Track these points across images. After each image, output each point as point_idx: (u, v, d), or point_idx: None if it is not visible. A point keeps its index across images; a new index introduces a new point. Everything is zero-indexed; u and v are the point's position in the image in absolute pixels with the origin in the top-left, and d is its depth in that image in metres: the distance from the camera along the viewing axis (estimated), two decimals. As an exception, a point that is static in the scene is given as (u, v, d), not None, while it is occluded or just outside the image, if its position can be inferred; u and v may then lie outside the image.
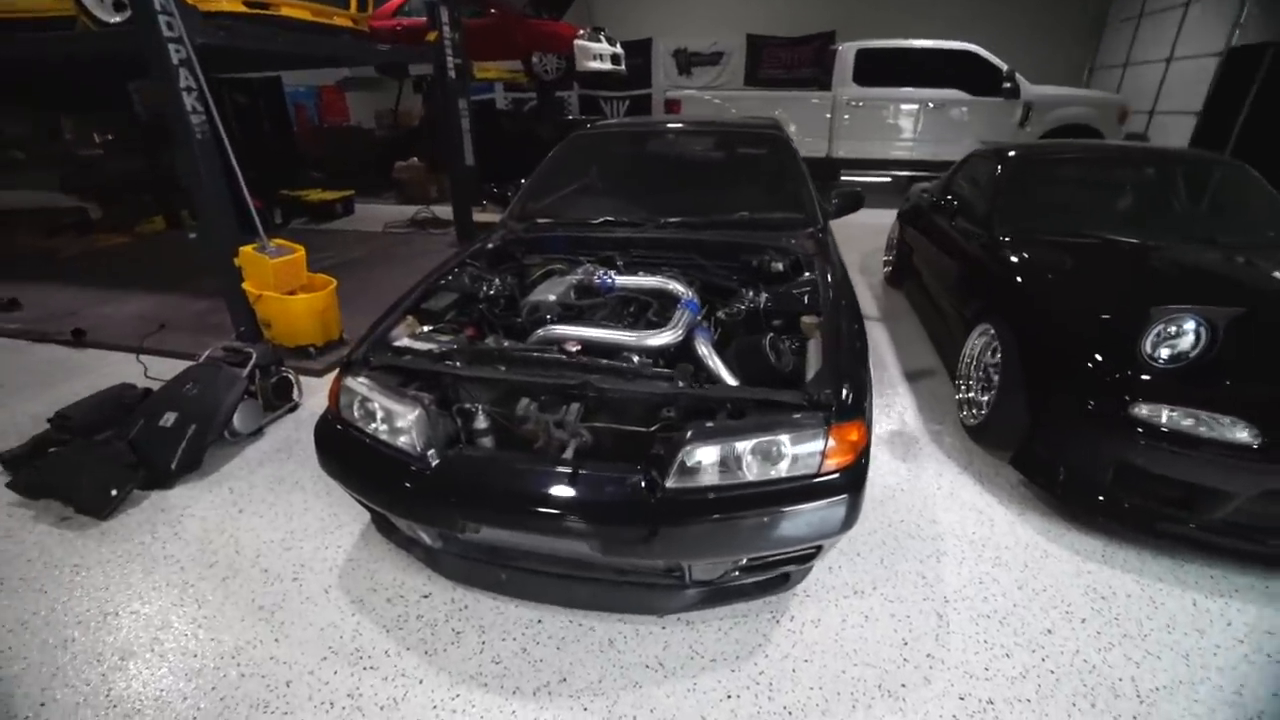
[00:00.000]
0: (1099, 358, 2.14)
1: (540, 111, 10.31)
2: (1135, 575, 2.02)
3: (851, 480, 1.55)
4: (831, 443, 1.53)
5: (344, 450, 1.78)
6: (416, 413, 1.65)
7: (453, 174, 6.21)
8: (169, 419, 2.55)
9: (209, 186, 3.50)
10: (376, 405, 1.72)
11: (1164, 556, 2.09)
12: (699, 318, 2.05)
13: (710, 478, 1.50)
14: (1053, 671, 1.67)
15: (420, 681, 1.64)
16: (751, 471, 1.51)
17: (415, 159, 8.92)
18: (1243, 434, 1.89)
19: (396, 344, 1.97)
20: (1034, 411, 2.38)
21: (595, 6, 9.99)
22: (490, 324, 2.23)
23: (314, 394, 3.21)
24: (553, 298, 2.11)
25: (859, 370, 1.72)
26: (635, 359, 1.83)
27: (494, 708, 1.56)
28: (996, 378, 2.63)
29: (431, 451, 1.62)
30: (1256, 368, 2.03)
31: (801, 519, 1.51)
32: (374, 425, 1.73)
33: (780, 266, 2.39)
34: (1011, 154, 3.54)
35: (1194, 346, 2.02)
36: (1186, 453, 1.94)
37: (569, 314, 2.13)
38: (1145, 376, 2.03)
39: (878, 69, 8.07)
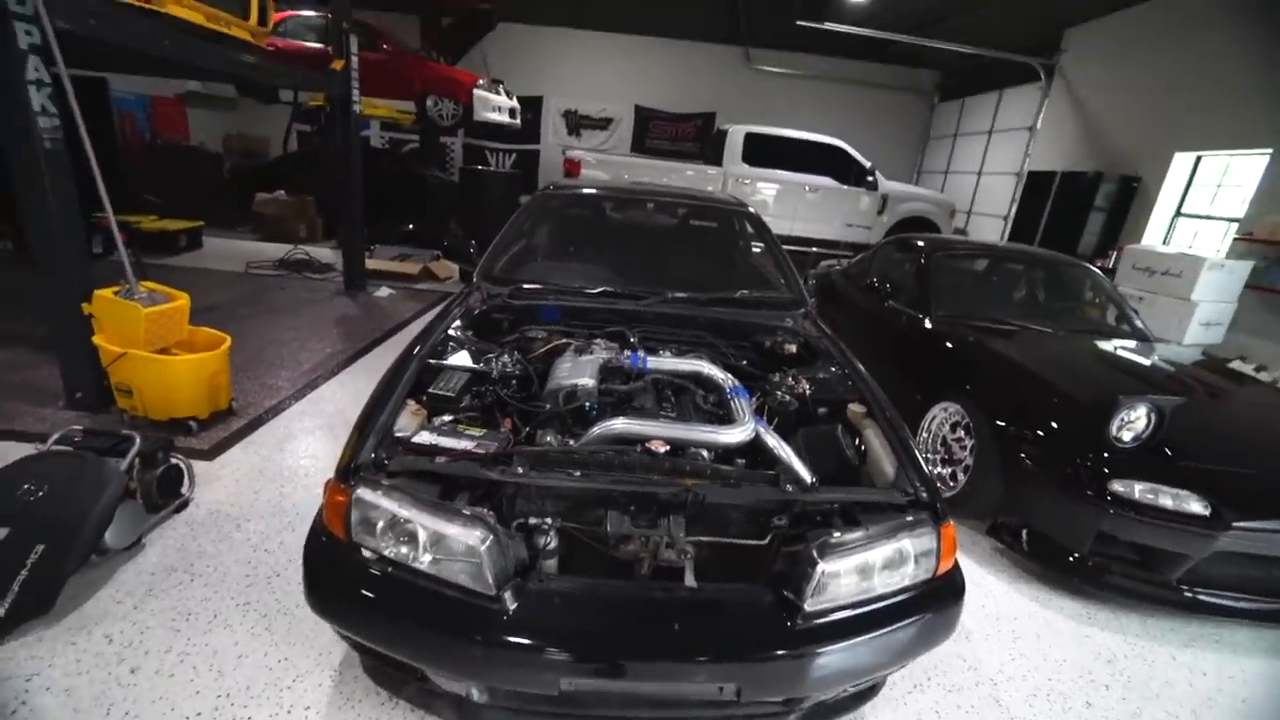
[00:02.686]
0: (1075, 439, 2.40)
1: (422, 155, 9.80)
2: (1121, 635, 2.22)
3: (961, 580, 1.51)
4: (942, 543, 1.49)
5: (361, 588, 1.34)
6: (485, 537, 1.30)
7: (346, 215, 5.55)
8: None
9: (56, 210, 2.72)
10: (419, 527, 1.33)
11: (1131, 612, 2.33)
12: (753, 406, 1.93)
13: (846, 593, 1.36)
14: (1114, 752, 1.74)
15: None
16: (885, 581, 1.40)
17: (282, 192, 7.89)
18: (1196, 505, 2.20)
19: (416, 440, 1.58)
20: (1008, 485, 2.59)
21: (490, 58, 9.86)
22: (513, 411, 1.90)
23: (206, 484, 2.52)
24: (590, 382, 1.86)
25: (924, 462, 1.72)
26: (705, 455, 1.66)
27: None
28: (961, 453, 2.84)
29: (509, 588, 1.28)
30: (1192, 448, 2.39)
31: (932, 624, 1.43)
32: (411, 553, 1.34)
33: (793, 349, 2.38)
34: (932, 248, 3.99)
35: (1145, 429, 2.35)
36: (1153, 521, 2.21)
37: (606, 400, 1.90)
38: (1116, 456, 2.30)
39: (762, 151, 8.88)
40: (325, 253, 6.94)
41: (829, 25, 9.01)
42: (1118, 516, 2.23)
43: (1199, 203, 6.61)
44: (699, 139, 12.35)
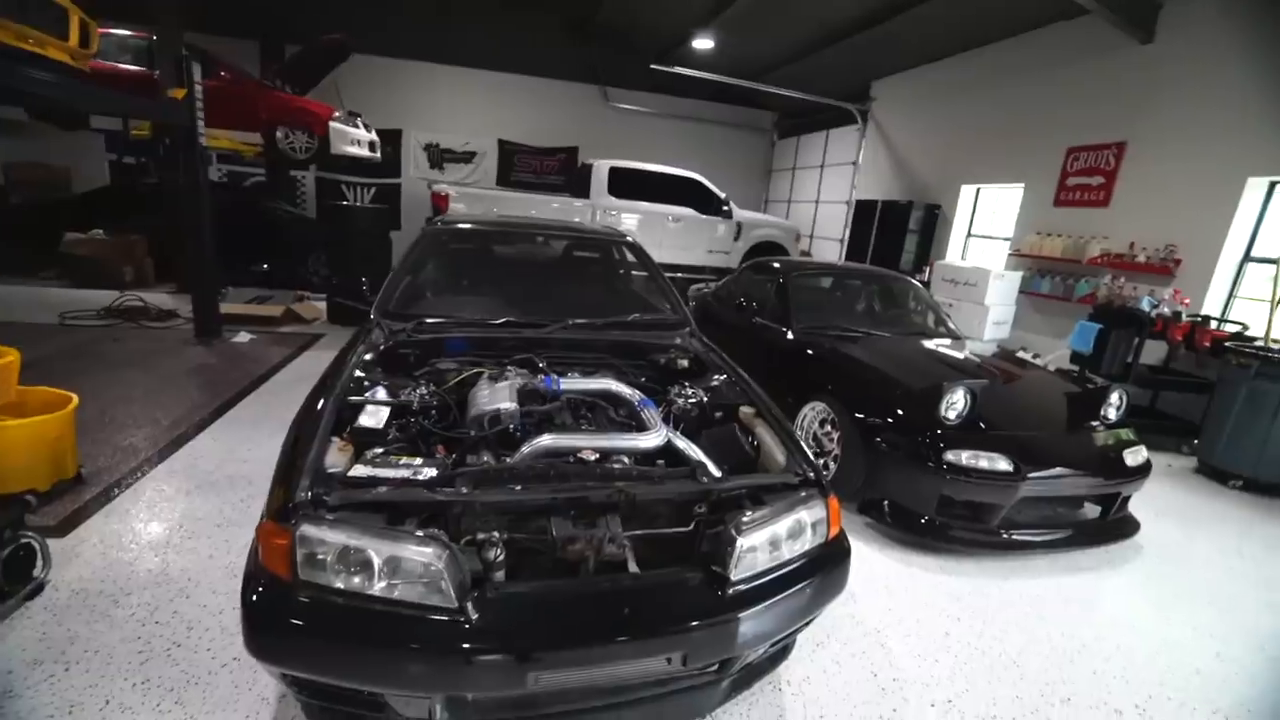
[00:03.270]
0: (915, 422, 2.92)
1: (270, 190, 9.13)
2: (964, 577, 2.73)
3: (848, 543, 1.84)
4: (830, 513, 1.81)
5: (315, 624, 1.35)
6: (440, 553, 1.38)
7: (195, 256, 5.05)
8: None
9: None
10: (372, 554, 1.38)
11: (966, 557, 2.87)
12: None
13: (763, 563, 1.61)
14: (966, 662, 2.16)
15: None
16: (784, 550, 1.67)
17: (99, 231, 6.92)
18: (1004, 464, 2.79)
19: (352, 473, 1.60)
20: (870, 467, 3.07)
21: (344, 90, 9.43)
22: (437, 439, 1.95)
23: (64, 564, 2.22)
24: (512, 405, 1.98)
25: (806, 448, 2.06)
26: (626, 460, 1.85)
27: None
28: (830, 444, 3.31)
29: (469, 600, 1.37)
30: (996, 418, 3.01)
31: (829, 581, 1.73)
32: (365, 582, 1.37)
33: (685, 363, 2.67)
34: (787, 270, 4.57)
35: (964, 408, 2.93)
36: (977, 481, 2.77)
37: (529, 420, 2.03)
38: (946, 432, 2.85)
39: (626, 184, 9.39)
40: (163, 298, 6.21)
41: (679, 69, 9.83)
42: (952, 480, 2.76)
43: (982, 226, 8.12)
44: (563, 172, 12.72)
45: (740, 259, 9.76)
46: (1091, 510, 3.19)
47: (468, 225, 3.52)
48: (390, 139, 10.99)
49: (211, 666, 1.84)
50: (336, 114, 8.14)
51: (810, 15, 8.36)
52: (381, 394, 2.03)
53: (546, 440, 1.81)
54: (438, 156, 11.78)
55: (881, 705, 1.94)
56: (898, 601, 2.51)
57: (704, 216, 9.60)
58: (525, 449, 1.79)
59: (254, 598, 1.39)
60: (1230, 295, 5.21)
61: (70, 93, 3.67)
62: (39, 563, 2.10)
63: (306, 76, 9.04)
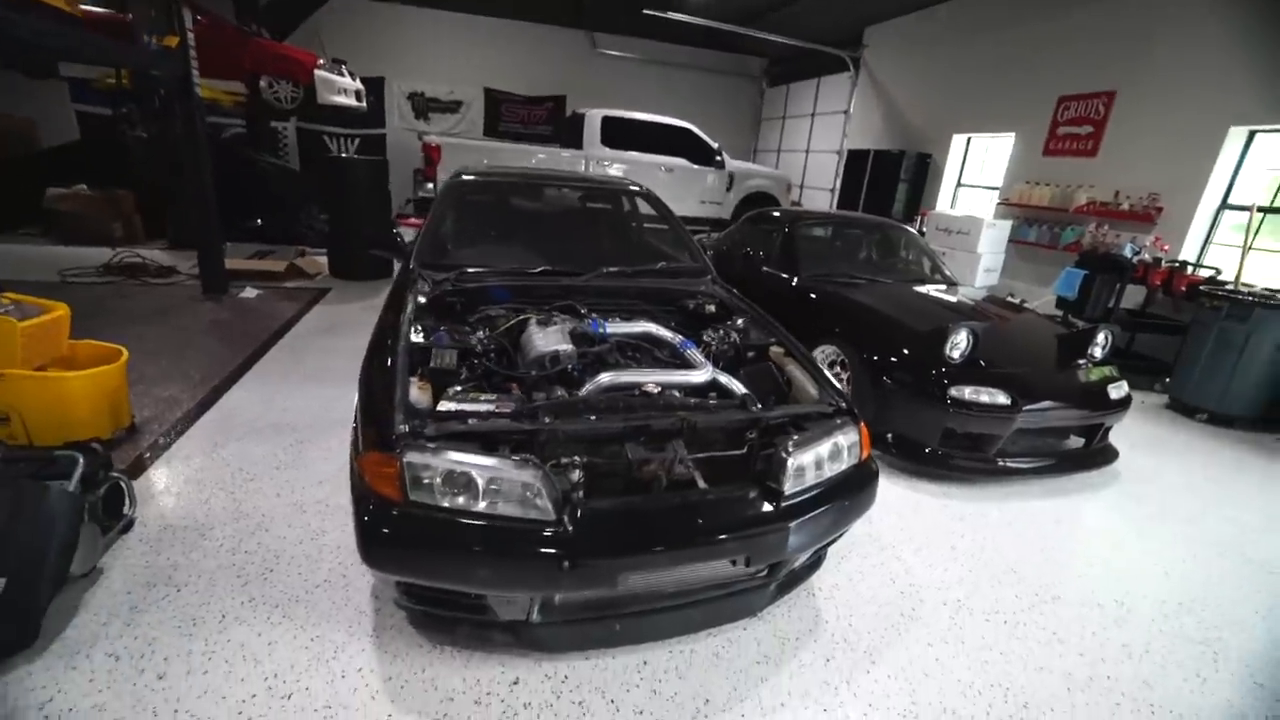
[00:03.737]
0: (922, 361, 3.14)
1: (253, 141, 8.85)
2: (966, 500, 3.02)
3: (876, 465, 2.06)
4: (861, 437, 2.02)
5: (429, 538, 1.53)
6: (537, 473, 1.56)
7: (198, 211, 4.99)
8: None
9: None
10: (475, 475, 1.55)
11: (966, 484, 3.15)
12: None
13: (808, 480, 1.83)
14: (972, 570, 2.45)
15: (576, 761, 1.53)
16: (826, 470, 1.89)
17: (83, 186, 6.72)
18: (1002, 398, 3.04)
19: (441, 409, 1.76)
20: (878, 404, 3.30)
21: (324, 36, 9.06)
22: (500, 379, 2.10)
23: (142, 503, 2.36)
24: (569, 347, 2.14)
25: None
26: (679, 394, 2.03)
27: (665, 751, 1.58)
28: (840, 384, 3.52)
29: (565, 512, 1.56)
30: (993, 357, 3.25)
31: (862, 497, 1.96)
32: (469, 500, 1.55)
33: (712, 308, 2.83)
34: (791, 220, 4.69)
35: (966, 348, 3.16)
36: (978, 414, 3.02)
37: (584, 360, 2.19)
38: (950, 370, 3.08)
39: (619, 134, 9.28)
40: (157, 254, 6.12)
41: (672, 15, 9.59)
42: (956, 414, 3.01)
43: (972, 175, 8.27)
44: (550, 122, 12.45)
45: (733, 210, 9.81)
46: (1075, 441, 3.49)
47: (490, 178, 3.57)
48: (373, 88, 10.61)
49: (306, 587, 2.03)
50: (321, 61, 7.87)
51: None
52: (445, 338, 2.16)
53: (607, 378, 1.98)
54: (423, 106, 11.44)
55: (901, 605, 2.22)
56: (907, 522, 2.78)
57: (697, 167, 9.58)
58: (591, 385, 1.96)
59: (366, 518, 1.57)
60: (1206, 241, 5.49)
61: (70, 43, 3.55)
62: (127, 501, 2.24)
63: (285, 21, 8.68)
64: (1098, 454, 3.44)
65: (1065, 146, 6.47)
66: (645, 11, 9.38)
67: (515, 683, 1.73)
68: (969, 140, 8.15)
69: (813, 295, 4.00)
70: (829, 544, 2.06)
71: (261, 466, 2.73)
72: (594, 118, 9.24)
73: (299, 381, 3.67)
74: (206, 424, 3.07)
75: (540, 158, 9.00)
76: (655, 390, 1.94)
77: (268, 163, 8.54)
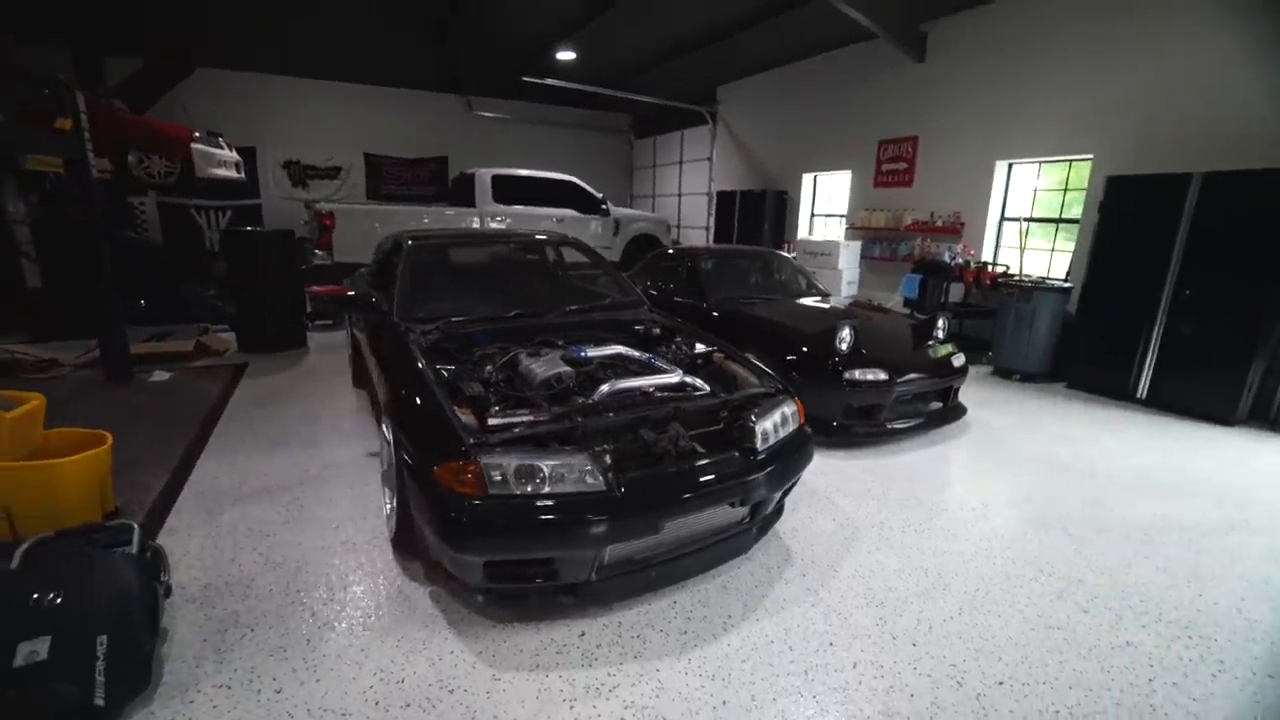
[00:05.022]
0: (819, 355, 3.99)
1: (113, 219, 8.28)
2: (871, 459, 3.85)
3: (809, 429, 2.76)
4: (798, 408, 2.72)
5: (514, 520, 1.95)
6: (587, 458, 2.06)
7: (99, 298, 4.78)
8: (30, 652, 1.77)
9: None
10: (543, 465, 2.01)
11: (864, 448, 4.01)
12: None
13: (771, 440, 2.47)
14: (884, 504, 3.24)
15: (659, 671, 2.00)
16: (780, 432, 2.55)
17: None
18: (882, 375, 3.95)
19: (492, 423, 2.19)
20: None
21: (190, 106, 8.74)
22: (515, 400, 2.55)
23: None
24: (568, 369, 2.65)
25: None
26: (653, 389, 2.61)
27: (728, 650, 2.09)
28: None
29: (613, 484, 2.06)
30: (869, 346, 4.17)
31: (805, 450, 2.63)
32: (539, 485, 2.00)
33: (657, 331, 3.47)
34: (694, 256, 5.54)
35: (851, 341, 4.05)
36: (866, 389, 3.90)
37: (579, 378, 2.69)
38: (842, 359, 3.94)
39: (509, 190, 9.84)
40: (22, 349, 5.63)
41: (548, 80, 10.44)
42: (851, 391, 3.87)
43: (823, 206, 9.81)
44: (433, 182, 12.72)
45: (620, 252, 10.67)
46: (935, 406, 4.52)
47: (443, 239, 3.97)
48: (245, 158, 10.28)
49: (371, 606, 2.30)
50: (197, 134, 7.69)
51: (661, 31, 9.40)
52: (463, 375, 2.58)
53: (607, 387, 2.52)
54: (300, 174, 11.24)
55: (842, 534, 2.93)
56: (831, 480, 3.53)
57: (584, 215, 10.36)
58: (599, 392, 2.47)
59: (453, 514, 1.96)
60: (996, 246, 7.13)
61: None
62: (165, 567, 2.36)
63: (144, 94, 8.34)
64: (952, 410, 4.48)
65: (889, 179, 8.05)
66: (524, 79, 10.14)
67: (582, 634, 2.17)
68: (815, 178, 9.70)
69: (724, 315, 4.79)
70: (787, 491, 2.71)
71: (270, 524, 2.88)
72: (484, 176, 9.73)
73: (264, 449, 3.75)
74: (189, 498, 3.12)
75: (425, 221, 9.23)
76: (650, 390, 2.51)
77: (141, 241, 8.06)
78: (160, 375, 5.17)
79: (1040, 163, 6.64)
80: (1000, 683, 2.02)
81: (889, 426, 4.08)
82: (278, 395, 4.83)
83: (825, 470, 3.64)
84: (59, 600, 1.86)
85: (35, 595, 1.86)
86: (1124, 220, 5.21)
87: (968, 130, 7.08)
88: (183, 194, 9.91)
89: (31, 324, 6.41)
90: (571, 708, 1.85)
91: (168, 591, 2.34)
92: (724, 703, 1.89)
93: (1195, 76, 5.20)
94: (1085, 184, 6.10)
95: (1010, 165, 6.88)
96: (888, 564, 2.69)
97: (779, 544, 2.82)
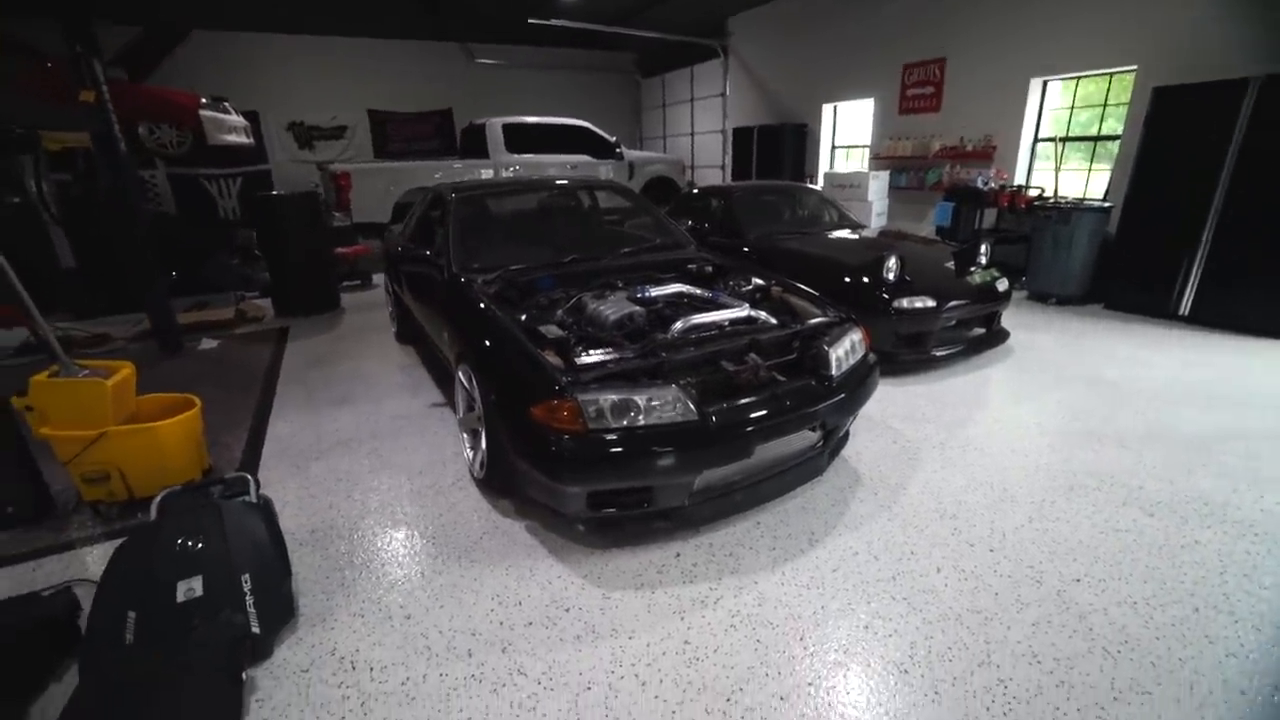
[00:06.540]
0: (868, 285, 3.99)
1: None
2: (922, 385, 3.91)
3: (876, 357, 2.81)
4: (863, 336, 2.77)
5: (611, 450, 2.04)
6: (677, 390, 2.13)
7: (139, 269, 4.84)
8: (188, 589, 1.92)
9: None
10: (638, 399, 2.09)
11: (912, 374, 4.06)
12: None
13: (845, 366, 2.53)
14: (939, 426, 3.31)
15: (757, 583, 2.13)
16: (850, 359, 2.61)
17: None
18: (930, 302, 3.96)
19: (581, 363, 2.26)
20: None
21: (189, 74, 8.54)
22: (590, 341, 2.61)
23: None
24: (638, 309, 2.69)
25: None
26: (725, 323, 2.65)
27: (817, 562, 2.22)
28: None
29: (705, 412, 2.14)
30: (914, 275, 4.17)
31: (873, 377, 2.69)
32: (631, 419, 2.08)
33: (710, 269, 3.48)
34: (729, 193, 5.47)
35: (898, 270, 4.04)
36: (914, 319, 3.92)
37: (649, 316, 2.74)
38: (890, 287, 3.95)
39: (521, 139, 9.63)
40: (69, 326, 5.75)
41: (555, 21, 10.03)
42: (900, 320, 3.89)
43: (844, 137, 9.54)
44: (439, 136, 12.45)
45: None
46: (977, 331, 4.54)
47: (486, 189, 3.95)
48: (249, 123, 10.13)
49: (471, 541, 2.44)
50: (204, 101, 7.56)
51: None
52: (539, 319, 2.64)
53: (680, 323, 2.56)
54: (305, 135, 11.04)
55: (905, 455, 3.03)
56: (885, 406, 3.61)
57: (599, 160, 10.15)
58: (676, 328, 2.52)
59: (554, 449, 2.05)
60: (1030, 168, 6.94)
61: None
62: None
63: (141, 63, 8.15)
64: (996, 335, 4.50)
65: (915, 105, 7.79)
66: (530, 21, 9.75)
67: (678, 555, 2.30)
68: (835, 108, 9.40)
69: (762, 252, 4.77)
70: (854, 418, 2.79)
71: (357, 474, 3.01)
72: (495, 126, 9.51)
73: (329, 406, 3.87)
74: (273, 455, 3.26)
75: (438, 177, 9.09)
76: (724, 323, 2.56)
77: (167, 215, 8.06)
78: (209, 344, 5.28)
79: (1079, 78, 6.38)
80: (1077, 580, 2.14)
81: (935, 355, 4.12)
82: (326, 356, 4.93)
83: (879, 397, 3.69)
84: (201, 545, 2.01)
85: (180, 541, 2.01)
86: (1171, 134, 5.05)
87: (1000, 47, 6.78)
88: (191, 164, 9.80)
89: (70, 303, 6.51)
90: (682, 618, 2.00)
91: (280, 537, 2.50)
92: (822, 608, 2.03)
93: (1250, -29, 4.92)
94: (1128, 98, 5.88)
95: (1045, 83, 6.62)
96: (954, 480, 2.79)
97: (847, 467, 2.92)
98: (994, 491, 2.70)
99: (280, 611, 1.99)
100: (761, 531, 2.43)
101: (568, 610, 2.05)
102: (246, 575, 1.97)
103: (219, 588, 1.90)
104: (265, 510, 2.25)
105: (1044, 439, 3.17)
